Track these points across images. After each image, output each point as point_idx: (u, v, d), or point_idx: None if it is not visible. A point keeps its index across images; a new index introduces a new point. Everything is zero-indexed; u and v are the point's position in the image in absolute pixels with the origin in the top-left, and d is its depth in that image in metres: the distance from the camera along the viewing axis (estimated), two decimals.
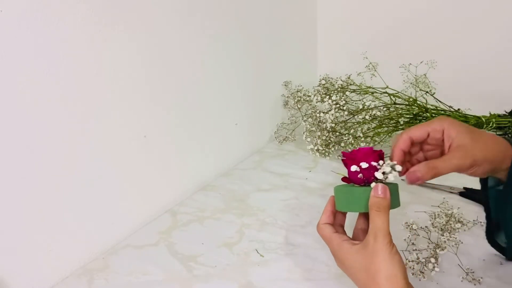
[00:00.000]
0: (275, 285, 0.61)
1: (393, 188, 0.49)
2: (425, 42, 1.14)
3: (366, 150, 0.49)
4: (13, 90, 0.55)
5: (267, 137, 1.13)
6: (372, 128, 0.99)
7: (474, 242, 0.66)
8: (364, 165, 0.48)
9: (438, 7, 1.10)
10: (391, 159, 0.50)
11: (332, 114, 0.95)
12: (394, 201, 0.49)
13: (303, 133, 1.03)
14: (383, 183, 0.48)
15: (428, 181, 0.81)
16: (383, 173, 0.48)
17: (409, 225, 0.68)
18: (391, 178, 0.47)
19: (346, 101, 0.96)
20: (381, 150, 0.50)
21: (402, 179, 0.50)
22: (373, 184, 0.48)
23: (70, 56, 0.61)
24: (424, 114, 0.98)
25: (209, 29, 0.86)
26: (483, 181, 0.57)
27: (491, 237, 0.60)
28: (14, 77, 0.55)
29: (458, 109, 1.01)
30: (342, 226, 0.54)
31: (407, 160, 0.52)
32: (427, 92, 1.00)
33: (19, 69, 0.55)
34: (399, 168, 0.48)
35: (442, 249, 0.63)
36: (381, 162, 0.48)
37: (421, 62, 1.00)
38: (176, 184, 0.85)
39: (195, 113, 0.86)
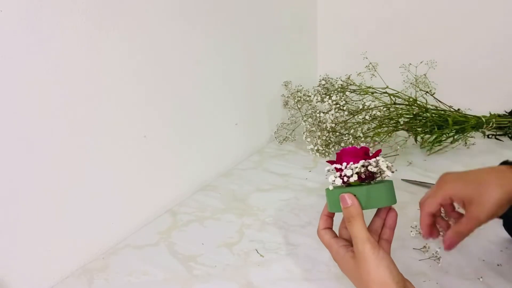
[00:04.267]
0: (275, 285, 0.61)
1: (385, 186, 0.49)
2: (425, 42, 1.14)
3: (348, 150, 0.50)
4: (13, 90, 0.55)
5: (267, 137, 1.13)
6: (372, 128, 0.99)
7: (474, 242, 0.66)
8: (327, 167, 0.50)
9: (438, 7, 1.10)
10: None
11: (332, 114, 0.95)
12: (389, 198, 0.49)
13: (303, 133, 1.03)
14: (376, 181, 0.49)
15: (429, 182, 0.81)
16: (344, 176, 0.48)
17: (413, 228, 0.68)
18: (351, 180, 0.48)
19: (346, 101, 0.96)
20: (365, 148, 0.51)
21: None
22: (347, 189, 0.48)
23: (70, 56, 0.61)
24: (424, 114, 0.98)
25: (209, 29, 0.86)
26: None
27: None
28: (14, 77, 0.55)
29: (458, 109, 1.01)
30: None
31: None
32: (427, 92, 1.00)
33: (19, 69, 0.55)
34: (355, 170, 0.48)
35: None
36: (344, 164, 0.49)
37: (421, 62, 1.00)
38: (176, 184, 0.85)
39: (195, 113, 0.86)
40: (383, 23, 1.18)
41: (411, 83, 1.01)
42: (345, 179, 0.49)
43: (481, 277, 0.58)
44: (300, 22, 1.20)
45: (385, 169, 0.48)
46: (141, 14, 0.71)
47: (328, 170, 0.51)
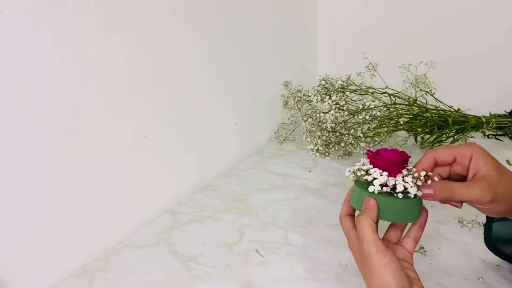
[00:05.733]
0: (275, 285, 0.61)
1: (405, 203, 0.47)
2: (425, 42, 1.14)
3: (390, 157, 0.48)
4: (13, 90, 0.55)
5: (267, 137, 1.13)
6: (372, 128, 0.99)
7: (474, 242, 0.66)
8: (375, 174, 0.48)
9: (438, 7, 1.10)
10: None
11: (332, 114, 0.95)
12: (406, 216, 0.48)
13: (303, 133, 1.03)
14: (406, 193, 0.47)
15: None
16: (385, 186, 0.47)
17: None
18: (371, 189, 0.47)
19: (346, 101, 0.96)
20: (405, 155, 0.48)
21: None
22: (371, 188, 0.47)
23: (70, 56, 0.61)
24: (424, 114, 0.98)
25: (209, 30, 0.86)
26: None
27: (492, 244, 0.59)
28: (14, 77, 0.55)
29: (458, 109, 1.01)
30: None
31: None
32: (427, 92, 1.00)
33: (20, 69, 0.55)
34: (376, 187, 0.47)
35: None
36: (385, 173, 0.47)
37: (421, 62, 1.01)
38: (176, 184, 0.85)
39: (195, 113, 0.86)
40: (383, 23, 1.18)
41: (411, 83, 1.01)
42: (384, 189, 0.47)
43: (481, 277, 0.58)
44: (300, 22, 1.20)
45: (412, 191, 0.46)
46: (142, 14, 0.71)
47: (367, 170, 0.49)
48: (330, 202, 0.81)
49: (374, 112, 0.94)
